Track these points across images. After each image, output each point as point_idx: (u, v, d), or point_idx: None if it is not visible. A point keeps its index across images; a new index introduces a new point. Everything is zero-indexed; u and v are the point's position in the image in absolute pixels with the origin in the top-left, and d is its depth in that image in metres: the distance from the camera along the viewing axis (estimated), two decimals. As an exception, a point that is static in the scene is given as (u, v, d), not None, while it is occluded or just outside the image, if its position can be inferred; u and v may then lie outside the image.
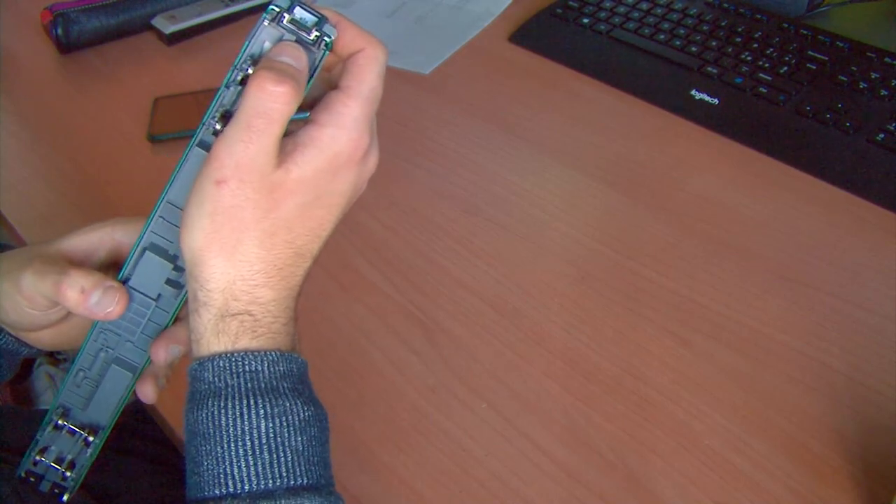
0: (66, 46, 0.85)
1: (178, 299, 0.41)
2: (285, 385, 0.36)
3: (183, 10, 0.90)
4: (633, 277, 0.60)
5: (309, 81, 0.36)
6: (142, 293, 0.40)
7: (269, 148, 0.34)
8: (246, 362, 0.35)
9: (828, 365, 0.53)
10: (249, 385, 0.35)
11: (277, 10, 0.36)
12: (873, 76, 0.74)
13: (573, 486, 0.48)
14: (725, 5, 0.84)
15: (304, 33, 0.36)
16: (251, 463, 0.34)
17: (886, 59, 0.75)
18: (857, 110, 0.71)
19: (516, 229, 0.65)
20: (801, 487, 0.47)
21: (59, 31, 0.84)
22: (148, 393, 0.42)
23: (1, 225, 0.69)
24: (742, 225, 0.64)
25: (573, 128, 0.75)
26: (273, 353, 0.36)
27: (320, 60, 0.37)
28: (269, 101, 0.34)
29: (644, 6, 0.85)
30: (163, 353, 0.41)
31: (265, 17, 0.36)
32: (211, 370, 0.35)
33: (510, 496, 0.48)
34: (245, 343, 0.35)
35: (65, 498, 0.45)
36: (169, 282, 0.40)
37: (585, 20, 0.85)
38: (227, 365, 0.35)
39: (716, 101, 0.75)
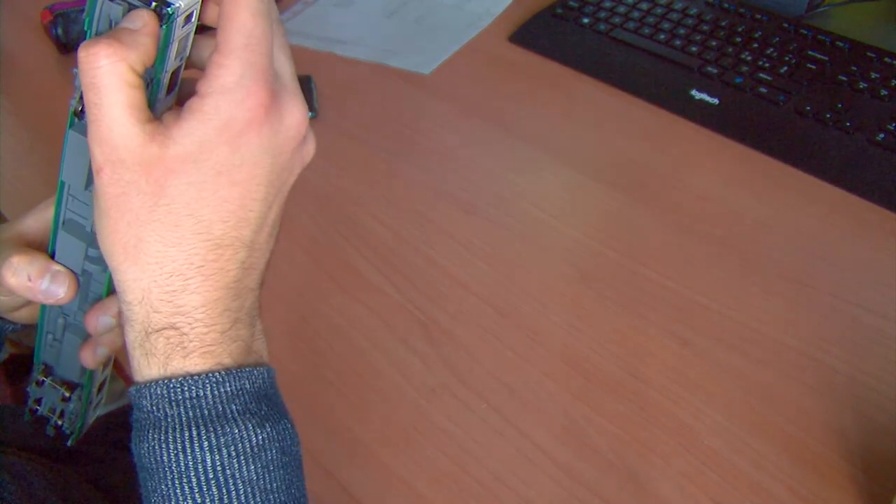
0: (66, 46, 0.85)
1: (105, 273, 0.40)
2: (234, 408, 0.33)
3: (183, 9, 0.90)
4: (633, 277, 0.60)
5: (164, 50, 0.32)
6: (69, 269, 0.39)
7: (120, 117, 0.30)
8: (185, 388, 0.32)
9: (828, 365, 0.53)
10: (191, 414, 0.32)
11: None
12: (873, 76, 0.74)
13: (573, 486, 0.48)
14: (725, 5, 0.84)
15: (141, 2, 0.31)
16: (198, 501, 0.32)
17: (886, 59, 0.75)
18: (857, 110, 0.71)
19: (516, 229, 0.65)
20: (801, 487, 0.47)
21: (59, 31, 0.84)
22: (86, 359, 0.41)
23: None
24: (742, 225, 0.64)
25: (573, 127, 0.75)
26: (217, 373, 0.32)
27: (168, 32, 0.32)
28: (89, 66, 0.30)
29: (644, 6, 0.85)
30: (92, 324, 0.40)
31: None
32: (148, 398, 0.32)
33: (510, 496, 0.48)
34: (177, 364, 0.32)
35: (69, 443, 0.45)
36: (89, 258, 0.39)
37: (585, 20, 0.85)
38: (164, 392, 0.32)
39: (716, 100, 0.75)
